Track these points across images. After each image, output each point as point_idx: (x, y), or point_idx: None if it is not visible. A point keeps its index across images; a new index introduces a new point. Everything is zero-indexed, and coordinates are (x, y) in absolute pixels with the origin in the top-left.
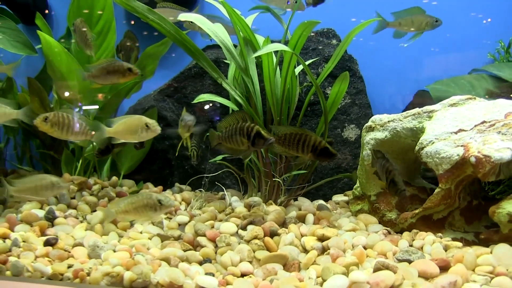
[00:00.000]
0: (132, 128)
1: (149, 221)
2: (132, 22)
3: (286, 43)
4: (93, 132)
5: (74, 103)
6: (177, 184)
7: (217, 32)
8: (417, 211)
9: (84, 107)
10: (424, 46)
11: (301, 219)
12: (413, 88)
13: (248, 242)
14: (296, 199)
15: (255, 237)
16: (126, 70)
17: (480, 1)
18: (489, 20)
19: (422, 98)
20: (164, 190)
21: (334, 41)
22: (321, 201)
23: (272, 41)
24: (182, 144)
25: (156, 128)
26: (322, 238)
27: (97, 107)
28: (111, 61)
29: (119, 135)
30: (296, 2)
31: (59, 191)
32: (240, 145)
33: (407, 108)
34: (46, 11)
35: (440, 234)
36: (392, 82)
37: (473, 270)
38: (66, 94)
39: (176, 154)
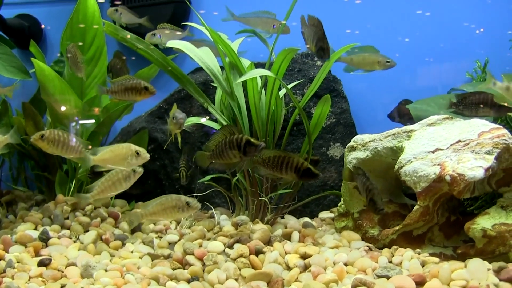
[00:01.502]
0: (121, 156)
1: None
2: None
3: (271, 64)
4: (87, 148)
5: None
6: None
7: (203, 58)
8: (397, 227)
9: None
10: (410, 65)
11: (287, 237)
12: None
13: (234, 260)
14: (282, 217)
15: (241, 255)
16: (143, 88)
17: (474, 12)
18: (481, 30)
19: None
20: None
21: (318, 62)
22: (306, 219)
23: (258, 63)
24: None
25: (146, 155)
26: (304, 256)
27: (93, 121)
28: (130, 78)
29: (106, 163)
30: (280, 25)
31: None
32: (232, 159)
33: (392, 114)
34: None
35: (418, 250)
36: (376, 101)
37: (448, 285)
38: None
39: (165, 147)
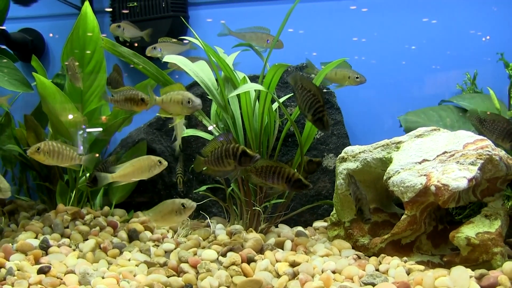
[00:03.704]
0: (143, 168)
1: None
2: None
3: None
4: (82, 157)
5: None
6: None
7: (198, 72)
8: (386, 236)
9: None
10: (403, 75)
11: (280, 246)
12: (388, 117)
13: (226, 268)
14: (277, 226)
15: (233, 263)
16: (140, 99)
17: (480, 19)
18: (488, 37)
19: None
20: None
21: (312, 75)
22: (300, 228)
23: (254, 75)
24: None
25: (165, 163)
26: (293, 264)
27: (100, 129)
28: (130, 89)
29: (128, 177)
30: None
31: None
32: (227, 167)
33: None
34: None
35: (405, 258)
36: (370, 112)
37: None
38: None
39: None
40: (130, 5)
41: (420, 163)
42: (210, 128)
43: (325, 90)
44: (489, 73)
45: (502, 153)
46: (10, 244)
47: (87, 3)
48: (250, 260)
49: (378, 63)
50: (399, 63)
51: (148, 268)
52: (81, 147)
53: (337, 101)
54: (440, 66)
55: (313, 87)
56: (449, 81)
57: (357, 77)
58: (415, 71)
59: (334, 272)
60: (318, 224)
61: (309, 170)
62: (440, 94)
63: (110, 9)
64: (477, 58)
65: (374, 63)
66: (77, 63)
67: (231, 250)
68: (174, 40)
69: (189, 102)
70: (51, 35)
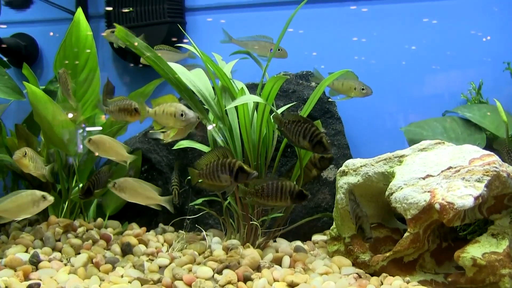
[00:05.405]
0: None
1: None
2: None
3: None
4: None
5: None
6: (161, 225)
7: (195, 82)
8: (387, 254)
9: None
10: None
11: (278, 262)
12: (390, 128)
13: (222, 287)
14: (275, 240)
15: (229, 282)
16: (133, 109)
17: (481, 19)
18: (488, 38)
19: None
20: (148, 230)
21: (313, 84)
22: (298, 242)
23: (253, 84)
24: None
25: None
26: (291, 284)
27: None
28: (124, 99)
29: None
30: (279, 50)
31: None
32: (222, 181)
33: None
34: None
35: (407, 278)
36: (370, 122)
37: None
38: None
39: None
40: (126, 10)
41: (424, 178)
42: (209, 127)
43: (330, 99)
44: (494, 82)
45: (510, 169)
46: None
47: (80, 10)
48: (246, 279)
49: (380, 72)
50: (401, 72)
51: (142, 285)
52: (81, 146)
53: (338, 110)
54: (444, 75)
55: (300, 117)
56: (453, 91)
57: (363, 89)
58: (418, 80)
59: None
60: (318, 237)
61: (321, 167)
62: (444, 104)
63: (110, 8)
64: (482, 67)
65: (377, 72)
66: (69, 80)
67: (227, 267)
68: (171, 48)
69: (182, 115)
70: (53, 35)
